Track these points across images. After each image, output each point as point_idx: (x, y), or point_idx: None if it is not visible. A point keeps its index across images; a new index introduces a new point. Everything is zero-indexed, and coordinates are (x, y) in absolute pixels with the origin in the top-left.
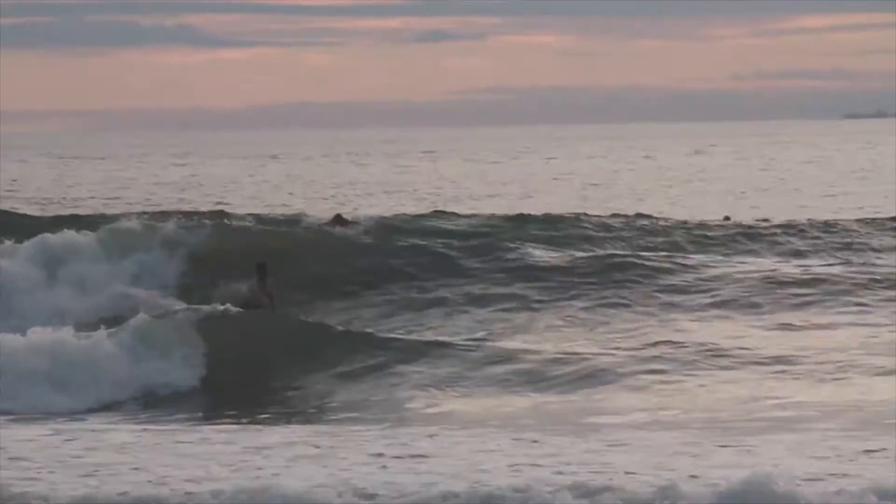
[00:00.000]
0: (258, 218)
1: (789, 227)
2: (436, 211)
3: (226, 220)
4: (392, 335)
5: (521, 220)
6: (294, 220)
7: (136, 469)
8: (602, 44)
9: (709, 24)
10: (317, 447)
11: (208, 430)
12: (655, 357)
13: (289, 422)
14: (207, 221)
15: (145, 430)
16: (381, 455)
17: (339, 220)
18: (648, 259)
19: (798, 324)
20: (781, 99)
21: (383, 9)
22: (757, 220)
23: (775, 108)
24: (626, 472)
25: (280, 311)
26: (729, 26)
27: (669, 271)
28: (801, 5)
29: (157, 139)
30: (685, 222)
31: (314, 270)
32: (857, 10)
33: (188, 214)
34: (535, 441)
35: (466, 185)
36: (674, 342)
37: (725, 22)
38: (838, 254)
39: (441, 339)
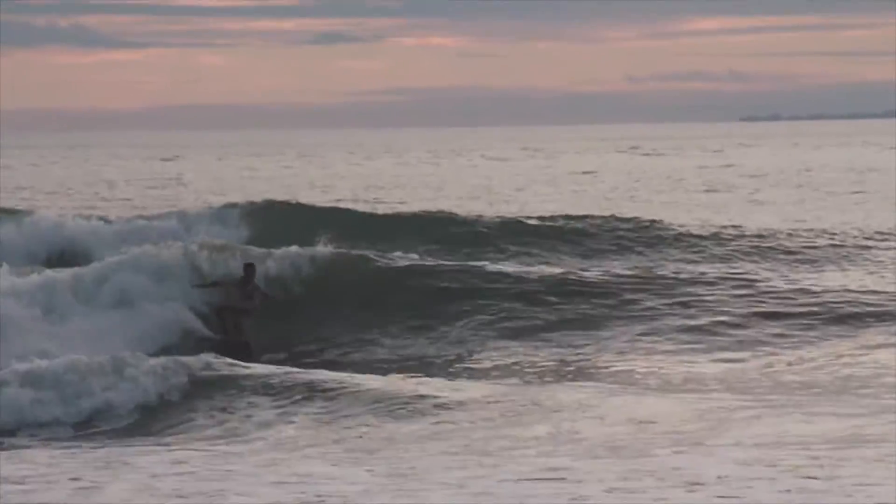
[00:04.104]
0: None
1: None
2: None
3: None
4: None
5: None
6: None
7: None
8: (497, 46)
9: (602, 26)
10: None
11: None
12: None
13: None
14: None
15: None
16: None
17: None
18: None
19: None
20: (677, 101)
21: (277, 10)
22: None
23: (671, 111)
24: None
25: None
26: (622, 28)
27: None
28: (695, 7)
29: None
30: None
31: None
32: (753, 12)
33: None
34: None
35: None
36: None
37: (618, 24)
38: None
39: None
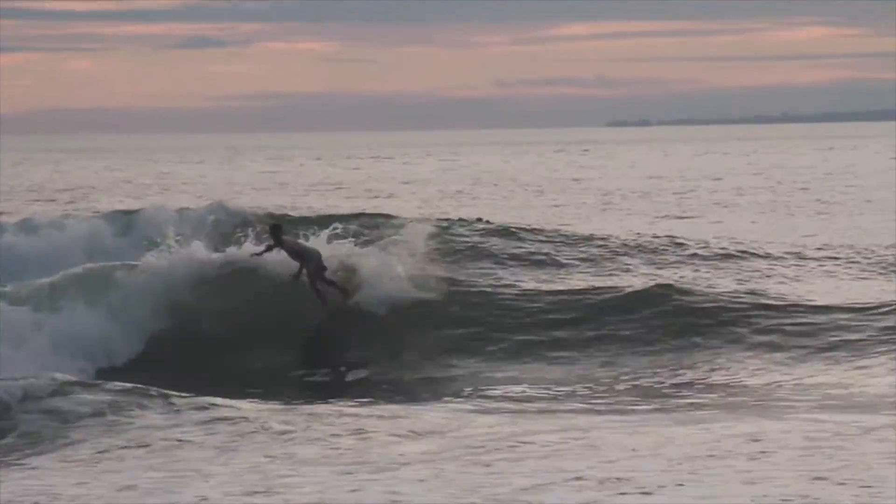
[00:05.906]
0: None
1: None
2: None
3: None
4: None
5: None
6: None
7: None
8: (366, 51)
9: (471, 31)
10: None
11: None
12: None
13: None
14: None
15: None
16: None
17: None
18: None
19: None
20: (546, 106)
21: (145, 14)
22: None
23: (539, 116)
24: None
25: None
26: (492, 33)
27: None
28: (565, 12)
29: None
30: None
31: None
32: (622, 18)
33: None
34: None
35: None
36: None
37: (488, 29)
38: None
39: None
